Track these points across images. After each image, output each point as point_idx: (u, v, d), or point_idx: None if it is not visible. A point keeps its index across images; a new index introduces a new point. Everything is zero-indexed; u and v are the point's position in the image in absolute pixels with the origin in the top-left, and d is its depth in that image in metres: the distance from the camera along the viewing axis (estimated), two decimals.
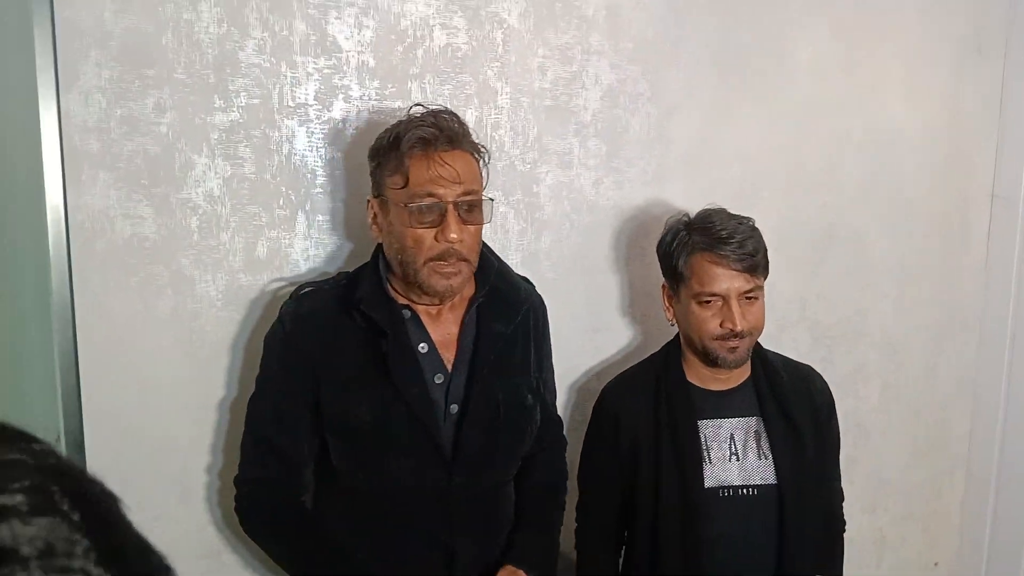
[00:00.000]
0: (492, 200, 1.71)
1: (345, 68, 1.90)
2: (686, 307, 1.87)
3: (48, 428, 1.46)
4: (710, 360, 1.86)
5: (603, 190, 2.18)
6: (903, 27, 2.48)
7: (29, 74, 1.63)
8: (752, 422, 1.89)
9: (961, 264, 2.69)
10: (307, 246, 1.92)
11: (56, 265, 1.69)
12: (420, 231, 1.60)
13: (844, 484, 2.55)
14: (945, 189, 2.63)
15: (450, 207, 1.60)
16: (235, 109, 1.83)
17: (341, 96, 1.90)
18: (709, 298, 1.81)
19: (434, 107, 1.68)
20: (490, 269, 1.76)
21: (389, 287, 1.69)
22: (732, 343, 1.82)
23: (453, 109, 1.94)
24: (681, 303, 1.89)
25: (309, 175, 1.90)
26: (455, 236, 1.60)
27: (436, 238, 1.60)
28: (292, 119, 1.87)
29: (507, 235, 2.10)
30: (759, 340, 1.94)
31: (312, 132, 1.89)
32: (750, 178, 2.33)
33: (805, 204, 2.42)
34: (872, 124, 2.48)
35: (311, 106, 1.88)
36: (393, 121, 1.91)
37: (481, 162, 1.71)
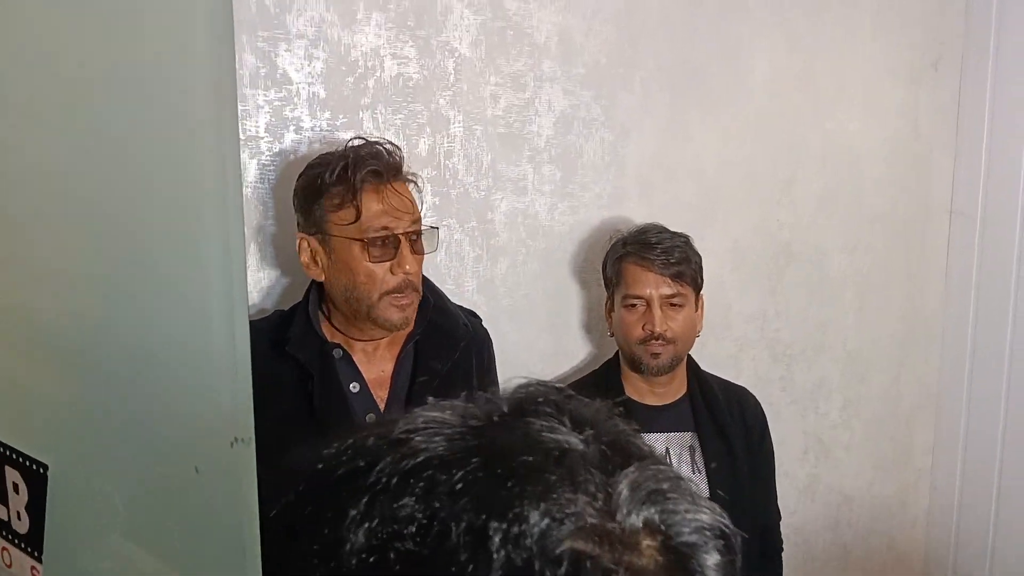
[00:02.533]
0: (437, 228, 1.73)
1: (296, 100, 1.90)
2: (617, 314, 1.96)
3: None
4: (636, 366, 1.93)
5: (558, 215, 2.19)
6: (860, 42, 2.50)
7: None
8: (687, 437, 1.95)
9: (922, 277, 2.72)
10: (260, 278, 1.91)
11: None
12: (373, 265, 1.59)
13: (806, 501, 2.58)
14: (904, 203, 2.66)
15: (403, 239, 1.60)
16: None
17: (292, 128, 1.90)
18: (634, 301, 1.91)
19: (373, 138, 1.68)
20: (426, 304, 1.72)
21: (321, 326, 1.67)
22: (654, 347, 1.89)
23: (406, 138, 1.97)
24: (615, 312, 1.98)
25: (261, 207, 1.90)
26: (410, 268, 1.60)
27: (392, 270, 1.60)
28: (242, 152, 1.87)
29: (462, 262, 2.10)
30: (702, 364, 2.01)
31: (264, 164, 1.89)
32: (706, 197, 2.35)
33: (762, 221, 2.44)
34: (830, 139, 2.50)
35: (262, 138, 1.88)
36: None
37: (419, 190, 1.73)
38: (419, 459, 0.51)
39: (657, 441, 1.94)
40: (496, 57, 2.06)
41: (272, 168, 1.89)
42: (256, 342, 1.63)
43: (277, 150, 1.89)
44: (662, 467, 0.54)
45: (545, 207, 2.17)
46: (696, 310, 1.97)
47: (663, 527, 0.50)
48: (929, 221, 2.70)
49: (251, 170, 1.88)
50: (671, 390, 1.99)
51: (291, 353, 1.62)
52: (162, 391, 1.10)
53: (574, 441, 0.52)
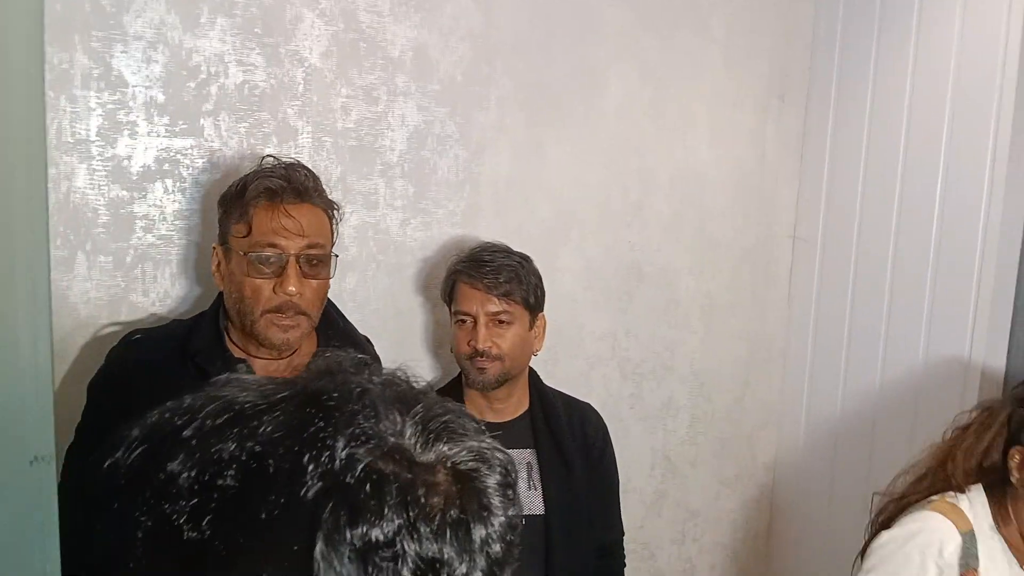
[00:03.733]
0: (337, 256, 1.70)
1: (131, 103, 1.82)
2: (452, 330, 1.99)
3: None
4: (467, 381, 1.98)
5: (410, 231, 2.17)
6: (708, 72, 2.58)
7: None
8: (526, 454, 1.97)
9: (766, 300, 2.82)
10: (87, 288, 1.82)
11: None
12: (258, 281, 1.59)
13: (653, 516, 2.63)
14: (750, 229, 2.75)
15: (291, 259, 1.59)
16: None
17: (127, 132, 1.82)
18: (463, 317, 1.94)
19: (286, 159, 1.69)
20: (334, 327, 1.76)
21: (227, 338, 1.66)
22: (480, 363, 1.92)
23: (250, 147, 1.91)
24: (452, 327, 2.00)
25: (90, 214, 1.81)
26: (293, 289, 1.59)
27: (275, 289, 1.59)
28: (71, 155, 1.78)
29: None
30: (549, 378, 2.05)
31: (94, 169, 1.80)
32: (559, 218, 2.38)
33: (614, 243, 2.48)
34: (679, 165, 2.57)
35: (93, 142, 1.79)
36: (185, 159, 1.86)
37: (333, 219, 1.71)
38: (233, 410, 0.59)
39: None
40: (348, 69, 2.03)
41: (104, 173, 1.80)
42: (158, 349, 1.62)
43: (110, 155, 1.81)
44: (447, 405, 0.64)
45: (397, 222, 2.15)
46: (531, 329, 1.98)
47: (451, 453, 0.61)
48: (773, 246, 2.80)
49: (80, 175, 1.79)
50: (510, 407, 2.01)
51: (200, 364, 1.60)
52: None
53: (374, 383, 0.62)
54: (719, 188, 2.65)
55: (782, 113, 2.77)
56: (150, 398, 1.57)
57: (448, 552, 0.58)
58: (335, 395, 0.61)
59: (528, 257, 2.00)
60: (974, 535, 1.66)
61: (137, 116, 1.82)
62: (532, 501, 1.93)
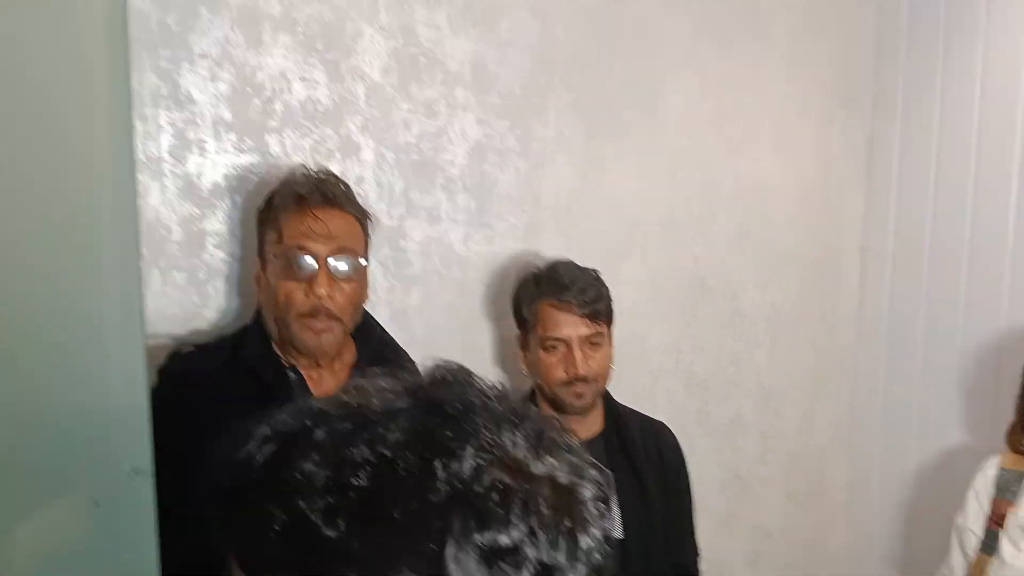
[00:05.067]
0: (367, 264, 1.70)
1: (200, 121, 1.85)
2: (535, 355, 1.92)
3: None
4: (559, 406, 1.90)
5: (473, 245, 2.17)
6: (771, 81, 2.55)
7: None
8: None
9: (834, 312, 2.75)
10: (162, 304, 1.85)
11: None
12: (291, 284, 1.61)
13: (724, 536, 2.57)
14: (816, 240, 2.70)
15: (323, 264, 1.61)
16: None
17: (196, 150, 1.86)
18: (554, 343, 1.88)
19: (317, 168, 1.72)
20: (371, 334, 1.77)
21: (275, 346, 1.68)
22: (577, 388, 1.87)
23: (315, 163, 1.93)
24: (531, 351, 1.93)
25: (163, 230, 1.84)
26: (323, 291, 1.60)
27: (306, 293, 1.60)
28: (144, 173, 1.81)
29: (375, 292, 2.05)
30: (612, 393, 2.00)
31: (166, 187, 1.83)
32: (622, 231, 2.35)
33: (678, 255, 2.45)
34: (742, 176, 2.53)
35: (164, 160, 1.83)
36: (253, 176, 1.89)
37: (365, 228, 1.71)
38: (362, 415, 0.63)
39: None
40: (408, 83, 2.05)
41: (175, 191, 1.84)
42: (208, 362, 1.63)
43: (181, 172, 1.84)
44: (549, 420, 0.68)
45: (459, 236, 2.15)
46: (610, 345, 1.95)
47: (557, 468, 0.64)
48: (841, 257, 2.75)
49: (153, 192, 1.82)
50: (585, 427, 1.95)
51: (253, 371, 1.62)
52: (58, 424, 1.05)
53: (480, 401, 0.66)
54: (784, 199, 2.61)
55: (847, 121, 2.72)
56: (208, 408, 1.56)
57: (561, 560, 0.61)
58: (458, 406, 0.64)
59: (599, 271, 1.97)
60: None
61: (205, 134, 1.86)
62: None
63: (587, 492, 0.65)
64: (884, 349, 2.72)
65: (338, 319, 1.63)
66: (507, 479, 0.61)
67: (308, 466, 0.61)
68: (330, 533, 0.59)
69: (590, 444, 1.94)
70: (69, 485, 1.07)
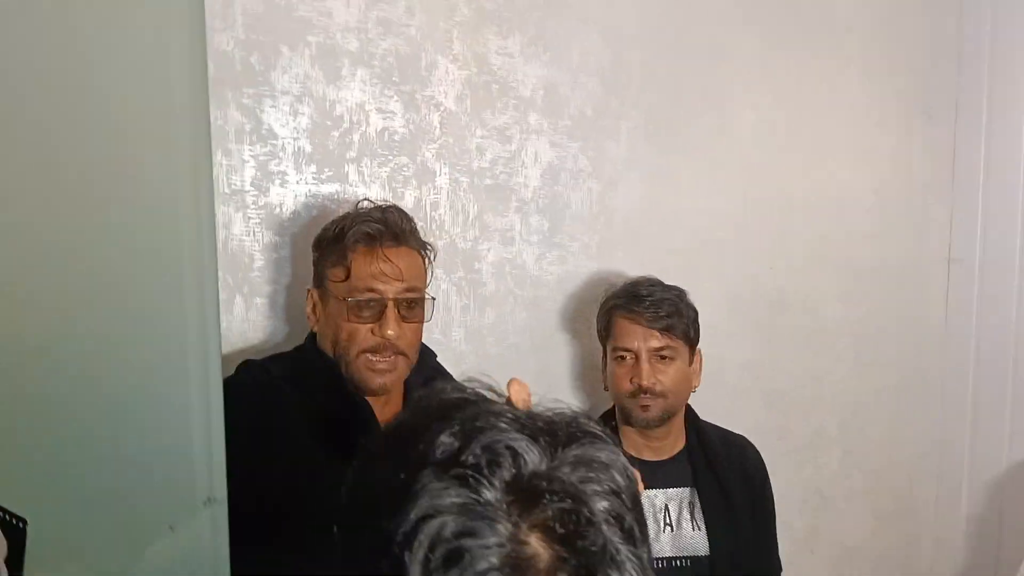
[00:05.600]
0: (434, 299, 1.71)
1: (281, 154, 1.93)
2: (609, 367, 1.95)
3: None
4: (626, 419, 1.92)
5: (546, 265, 2.20)
6: (846, 92, 2.51)
7: None
8: (686, 493, 1.92)
9: (919, 326, 2.69)
10: (245, 329, 1.93)
11: None
12: (356, 325, 1.59)
13: (806, 554, 2.54)
14: (899, 252, 2.65)
15: (390, 304, 1.60)
16: None
17: (278, 181, 1.93)
18: (623, 354, 1.90)
19: (382, 202, 1.70)
20: (425, 361, 1.74)
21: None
22: (643, 401, 1.88)
23: (391, 190, 1.99)
24: (607, 365, 1.96)
25: (247, 259, 1.92)
26: (392, 333, 1.58)
27: (372, 331, 1.60)
28: (228, 205, 1.90)
29: (449, 312, 2.11)
30: (695, 409, 2.00)
31: (249, 217, 1.92)
32: (695, 247, 2.35)
33: (753, 270, 2.43)
34: (819, 188, 2.50)
35: (247, 192, 1.91)
36: (332, 205, 1.96)
37: (427, 260, 1.71)
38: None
39: (656, 497, 1.91)
40: (482, 111, 2.09)
41: (257, 221, 1.92)
42: (276, 374, 1.61)
43: (263, 203, 1.92)
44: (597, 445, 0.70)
45: (533, 257, 2.18)
46: (690, 364, 1.95)
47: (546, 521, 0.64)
48: (925, 269, 2.68)
49: (237, 223, 1.91)
50: (668, 444, 1.96)
51: (333, 393, 1.61)
52: (137, 449, 1.10)
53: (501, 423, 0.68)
54: (864, 210, 2.57)
55: (929, 130, 2.66)
56: (278, 418, 1.53)
57: None
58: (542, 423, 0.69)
59: (684, 290, 1.97)
60: None
61: (287, 166, 1.93)
62: (696, 542, 1.89)
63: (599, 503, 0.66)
64: (972, 363, 2.65)
65: (403, 354, 1.63)
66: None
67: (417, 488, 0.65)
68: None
69: (674, 460, 1.96)
70: (147, 511, 1.10)
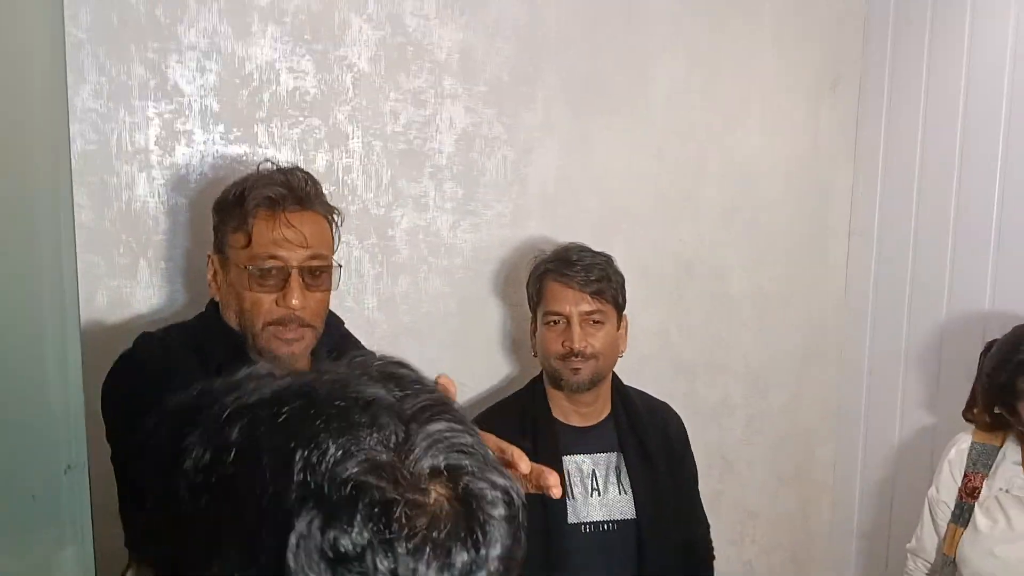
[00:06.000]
0: (340, 267, 1.62)
1: (187, 112, 1.86)
2: (540, 332, 1.96)
3: None
4: (557, 383, 1.93)
5: (460, 232, 2.18)
6: (759, 60, 2.54)
7: None
8: (612, 457, 1.95)
9: (821, 294, 2.77)
10: (149, 295, 1.87)
11: None
12: (259, 294, 1.51)
13: (710, 517, 2.60)
14: (803, 221, 2.71)
15: (294, 272, 1.52)
16: (71, 155, 1.77)
17: (184, 141, 1.87)
18: (555, 318, 1.91)
19: (285, 165, 1.61)
20: (333, 329, 1.68)
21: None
22: (574, 363, 1.89)
23: (303, 153, 1.95)
24: (537, 330, 1.97)
25: (151, 222, 1.85)
26: (296, 303, 1.51)
27: (276, 302, 1.52)
28: (131, 164, 1.82)
29: (362, 279, 2.08)
30: (619, 375, 2.00)
31: (153, 178, 1.85)
32: (609, 213, 2.37)
33: (665, 237, 2.47)
34: (730, 156, 2.53)
35: (151, 151, 1.84)
36: (240, 167, 1.90)
37: (334, 225, 1.62)
38: (250, 399, 0.63)
39: (583, 462, 1.95)
40: (396, 73, 2.05)
41: (162, 182, 1.85)
42: (176, 352, 1.53)
43: (168, 163, 1.85)
44: (466, 429, 0.64)
45: (447, 224, 2.17)
46: (618, 329, 1.98)
47: (454, 476, 0.61)
48: (828, 238, 2.76)
49: (140, 183, 1.84)
50: (595, 410, 1.99)
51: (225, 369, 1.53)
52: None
53: (382, 394, 0.63)
54: (771, 178, 2.62)
55: (835, 100, 2.71)
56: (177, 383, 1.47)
57: (426, 572, 0.58)
58: (340, 403, 0.62)
59: (611, 256, 1.99)
60: (998, 450, 1.91)
61: (193, 125, 1.87)
62: (623, 506, 1.92)
63: (494, 511, 0.61)
64: (868, 333, 2.75)
65: (310, 326, 1.55)
66: (367, 481, 0.58)
67: (192, 439, 0.62)
68: (192, 510, 0.60)
69: (601, 426, 1.99)
70: (8, 480, 1.07)
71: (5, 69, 1.05)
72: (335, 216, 1.63)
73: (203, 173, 1.88)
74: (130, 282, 1.85)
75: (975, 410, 1.97)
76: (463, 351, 2.23)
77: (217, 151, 1.89)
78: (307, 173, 1.60)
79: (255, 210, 1.51)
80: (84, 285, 1.80)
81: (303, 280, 1.53)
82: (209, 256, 1.61)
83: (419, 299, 2.15)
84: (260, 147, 1.93)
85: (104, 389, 1.52)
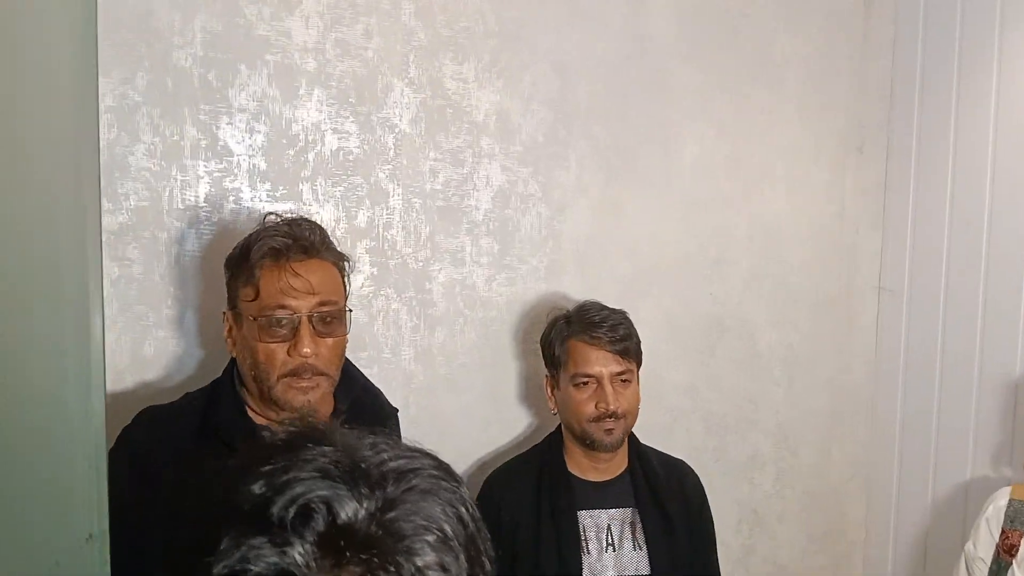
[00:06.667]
0: (351, 311, 1.63)
1: (236, 171, 1.94)
2: (565, 393, 1.97)
3: None
4: (588, 443, 1.95)
5: (496, 286, 2.24)
6: (784, 126, 2.61)
7: None
8: (628, 513, 1.96)
9: (850, 352, 2.79)
10: (198, 344, 1.93)
11: None
12: (272, 345, 1.52)
13: (740, 571, 2.61)
14: (830, 280, 2.75)
15: (303, 319, 1.52)
16: (124, 211, 1.86)
17: (232, 198, 1.94)
18: (585, 379, 1.93)
19: (289, 215, 1.63)
20: (353, 383, 1.70)
21: (248, 407, 1.60)
22: (608, 424, 1.92)
23: (345, 210, 2.02)
24: (561, 390, 1.99)
25: (199, 275, 1.92)
26: (307, 351, 1.51)
27: (289, 352, 1.51)
28: (181, 221, 1.90)
29: (400, 331, 2.14)
30: (636, 434, 2.03)
31: (202, 233, 1.92)
32: (639, 273, 2.42)
33: (694, 296, 2.51)
34: (757, 218, 2.59)
35: (201, 208, 1.92)
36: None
37: (344, 272, 1.64)
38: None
39: (599, 517, 1.96)
40: (435, 133, 2.13)
41: (210, 237, 1.92)
42: (176, 426, 1.55)
43: (216, 219, 1.93)
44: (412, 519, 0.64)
45: (483, 278, 2.22)
46: (638, 384, 2.01)
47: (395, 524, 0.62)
48: (856, 298, 2.79)
49: (190, 239, 1.91)
50: (612, 466, 2.01)
51: (223, 437, 1.53)
52: (20, 488, 1.07)
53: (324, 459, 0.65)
54: (798, 241, 2.67)
55: (861, 165, 2.77)
56: (175, 475, 1.43)
57: None
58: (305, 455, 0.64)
59: (625, 311, 2.03)
60: None
61: (241, 183, 1.95)
62: (638, 562, 1.93)
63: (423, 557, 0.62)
64: (900, 388, 2.76)
65: (324, 374, 1.55)
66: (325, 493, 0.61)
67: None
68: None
69: (617, 481, 2.01)
70: (31, 549, 1.08)
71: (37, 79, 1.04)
72: (345, 263, 1.64)
73: (251, 229, 1.95)
74: (178, 330, 1.91)
75: None
76: (498, 403, 2.27)
77: (264, 208, 1.97)
78: (312, 222, 1.62)
79: (261, 261, 1.53)
80: (132, 335, 1.87)
81: (313, 328, 1.53)
82: (224, 313, 1.63)
83: (455, 351, 2.20)
84: (304, 204, 2.00)
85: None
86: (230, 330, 1.61)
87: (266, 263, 1.53)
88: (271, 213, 1.65)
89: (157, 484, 1.44)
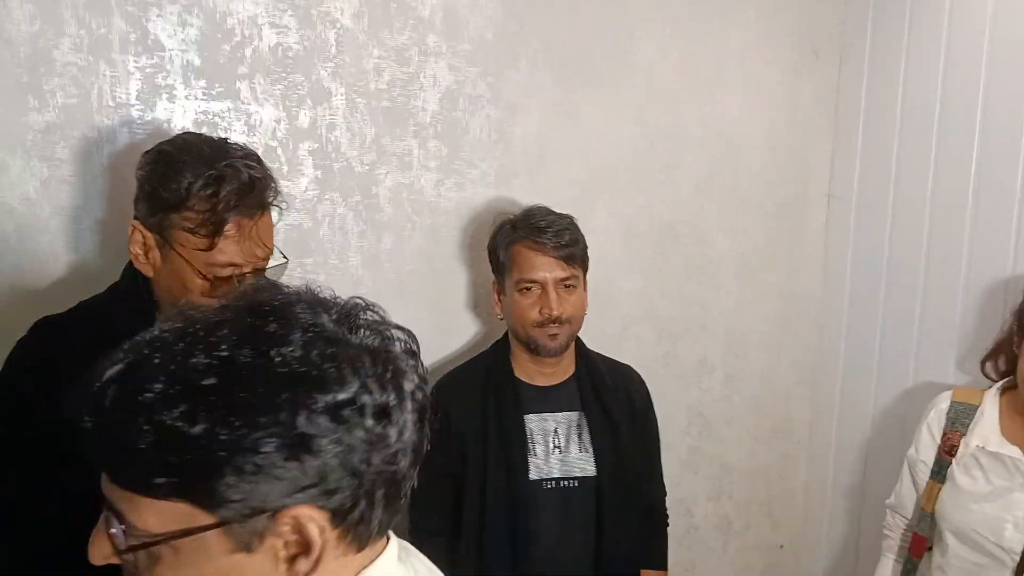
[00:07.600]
0: (287, 262, 1.59)
1: (168, 67, 1.85)
2: (510, 298, 1.95)
3: None
4: (532, 348, 1.94)
5: (444, 191, 2.19)
6: (740, 27, 2.55)
7: None
8: (574, 416, 1.97)
9: (800, 259, 2.80)
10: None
11: None
12: (210, 299, 1.42)
13: (689, 473, 2.65)
14: (783, 187, 2.73)
15: (248, 276, 1.48)
16: (51, 109, 1.76)
17: (165, 96, 1.85)
18: (529, 285, 1.91)
19: (237, 149, 1.50)
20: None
21: (158, 318, 1.44)
22: (551, 329, 1.91)
23: (286, 109, 1.94)
24: (506, 295, 1.97)
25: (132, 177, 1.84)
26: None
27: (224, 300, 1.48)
28: (112, 119, 1.81)
29: (346, 237, 2.08)
30: (589, 340, 2.02)
31: (135, 132, 1.84)
32: (591, 176, 2.38)
33: (647, 201, 2.48)
34: (711, 122, 2.55)
35: (133, 106, 1.83)
36: (223, 122, 1.89)
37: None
38: (191, 332, 0.75)
39: (546, 421, 1.97)
40: (379, 30, 2.05)
41: (144, 136, 1.84)
42: (80, 335, 1.44)
43: (149, 118, 1.84)
44: (355, 301, 0.85)
45: (431, 183, 2.17)
46: (584, 290, 1.99)
47: (369, 335, 0.82)
48: (807, 204, 2.78)
49: (121, 139, 1.82)
50: (559, 371, 2.01)
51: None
52: None
53: (298, 293, 0.84)
54: (752, 146, 2.63)
55: (816, 68, 2.73)
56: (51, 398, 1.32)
57: (392, 400, 0.78)
58: (276, 303, 0.79)
59: (573, 216, 1.99)
60: (976, 409, 1.94)
61: (175, 80, 1.85)
62: (584, 463, 1.95)
63: (396, 347, 0.82)
64: (846, 297, 2.78)
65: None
66: (333, 349, 0.76)
67: (157, 386, 0.71)
68: (195, 431, 0.70)
69: (564, 386, 2.01)
70: None
71: None
72: (280, 204, 1.57)
73: (186, 127, 1.87)
74: (116, 236, 1.84)
75: (1000, 359, 1.98)
76: (447, 309, 2.24)
77: (199, 107, 1.88)
78: (262, 167, 1.51)
79: (228, 222, 1.44)
80: (65, 239, 1.80)
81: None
82: (134, 227, 1.48)
83: (403, 257, 2.16)
84: (243, 103, 1.92)
85: None
86: (146, 250, 1.48)
87: (230, 227, 1.44)
88: (231, 145, 1.51)
89: (60, 391, 1.37)
